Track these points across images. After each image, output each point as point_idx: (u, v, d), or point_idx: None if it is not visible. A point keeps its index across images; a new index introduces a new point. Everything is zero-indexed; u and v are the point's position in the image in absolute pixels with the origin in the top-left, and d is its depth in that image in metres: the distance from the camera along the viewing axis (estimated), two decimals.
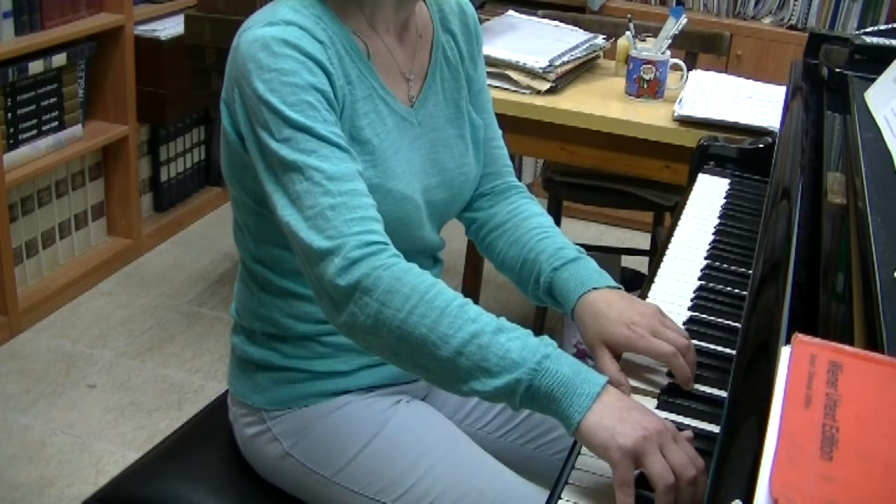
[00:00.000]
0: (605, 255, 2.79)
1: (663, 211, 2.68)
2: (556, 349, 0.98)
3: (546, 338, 0.99)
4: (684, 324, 1.20)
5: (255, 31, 1.07)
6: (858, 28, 3.26)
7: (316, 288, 1.03)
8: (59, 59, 2.68)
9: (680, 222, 1.52)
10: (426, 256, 1.28)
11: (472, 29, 1.31)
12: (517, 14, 2.57)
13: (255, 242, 1.19)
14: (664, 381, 1.10)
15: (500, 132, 1.36)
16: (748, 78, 2.35)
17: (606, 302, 1.14)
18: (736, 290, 1.29)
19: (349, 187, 1.03)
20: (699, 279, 1.33)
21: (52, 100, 2.71)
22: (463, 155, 1.25)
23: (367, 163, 1.12)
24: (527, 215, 1.30)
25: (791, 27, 3.40)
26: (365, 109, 1.13)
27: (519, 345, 0.96)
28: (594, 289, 1.16)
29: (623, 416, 0.92)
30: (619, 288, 1.19)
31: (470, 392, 0.98)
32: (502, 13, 2.58)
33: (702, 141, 1.76)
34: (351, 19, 1.15)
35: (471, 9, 1.32)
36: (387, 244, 1.02)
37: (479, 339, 0.96)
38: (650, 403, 1.06)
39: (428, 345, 0.97)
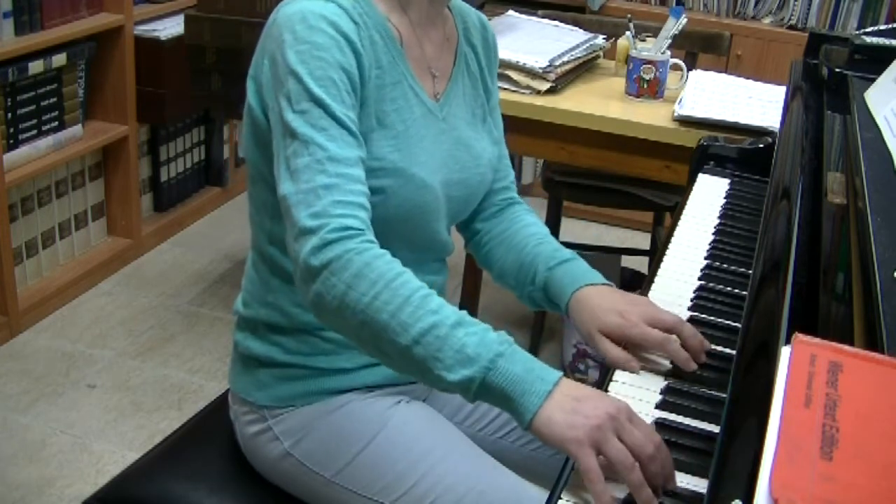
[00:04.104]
0: (605, 255, 2.79)
1: (663, 211, 2.68)
2: (512, 346, 0.99)
3: (503, 333, 1.00)
4: None
5: (294, 5, 1.10)
6: (858, 28, 3.26)
7: (293, 264, 1.05)
8: (59, 59, 2.68)
9: (680, 222, 1.52)
10: (436, 258, 1.29)
11: (492, 45, 1.35)
12: (517, 14, 2.57)
13: (272, 220, 1.19)
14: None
15: (506, 150, 1.39)
16: (748, 78, 2.35)
17: (599, 295, 1.19)
18: (736, 290, 1.29)
19: (347, 171, 1.05)
20: (699, 279, 1.33)
21: (52, 100, 2.72)
22: (479, 158, 1.27)
23: (392, 147, 1.14)
24: (524, 224, 1.35)
25: (791, 27, 3.40)
26: (393, 95, 1.16)
27: (475, 340, 0.97)
28: (587, 285, 1.21)
29: (575, 408, 0.94)
30: (611, 285, 1.23)
31: (428, 382, 1.00)
32: (502, 13, 2.58)
33: (702, 141, 1.76)
34: (386, 5, 1.18)
35: (490, 26, 1.36)
36: (364, 231, 1.03)
37: (437, 330, 0.97)
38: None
39: (388, 331, 0.98)
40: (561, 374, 0.98)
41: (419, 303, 0.98)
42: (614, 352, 1.13)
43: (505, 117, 1.39)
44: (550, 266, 1.25)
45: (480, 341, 0.97)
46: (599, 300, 1.18)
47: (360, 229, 1.03)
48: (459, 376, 0.96)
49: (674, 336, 1.13)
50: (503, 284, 1.36)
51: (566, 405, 0.94)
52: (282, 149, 1.07)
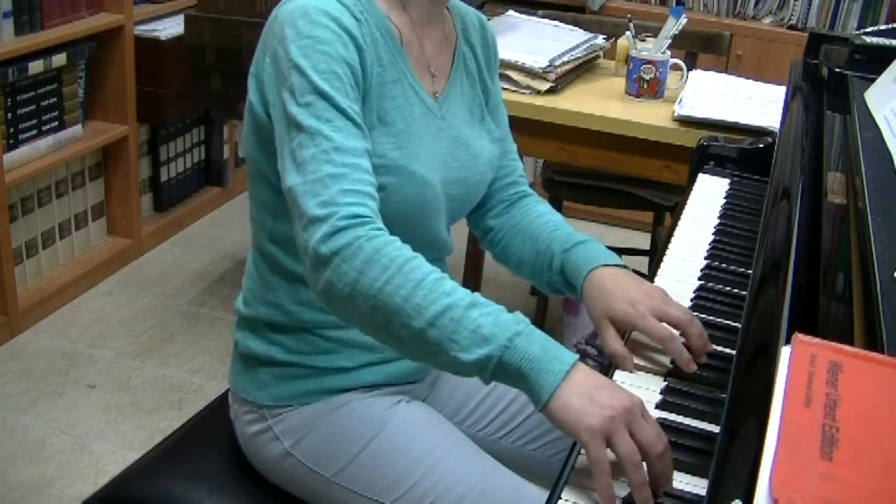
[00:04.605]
0: None
1: (663, 211, 2.68)
2: (529, 326, 0.98)
3: (519, 314, 1.00)
4: None
5: (296, 2, 1.11)
6: (858, 28, 3.26)
7: (302, 254, 1.04)
8: (59, 59, 2.68)
9: (680, 222, 1.52)
10: (435, 258, 1.29)
11: (491, 44, 1.35)
12: (517, 14, 2.57)
13: (273, 219, 1.20)
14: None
15: (514, 145, 1.39)
16: (748, 78, 2.35)
17: (613, 278, 1.18)
18: (736, 290, 1.29)
19: (353, 161, 1.05)
20: (699, 279, 1.33)
21: (52, 100, 2.72)
22: (478, 156, 1.27)
23: (392, 144, 1.14)
24: (538, 213, 1.35)
25: (791, 27, 3.40)
26: (394, 93, 1.16)
27: (491, 320, 0.97)
28: (602, 266, 1.20)
29: (592, 395, 0.93)
30: (626, 267, 1.22)
31: (442, 365, 0.99)
32: (502, 13, 2.59)
33: (702, 141, 1.76)
34: (386, 3, 1.19)
35: (489, 26, 1.36)
36: (373, 218, 1.03)
37: (451, 311, 0.97)
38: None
39: (402, 315, 0.98)
40: (577, 356, 0.98)
41: (432, 286, 0.98)
42: (614, 345, 1.13)
43: None
44: (566, 248, 1.25)
45: (496, 321, 0.97)
46: (613, 285, 1.17)
47: (368, 217, 1.03)
48: (475, 356, 0.96)
49: (679, 334, 1.12)
50: (521, 276, 1.36)
51: (583, 391, 0.94)
52: (286, 142, 1.07)
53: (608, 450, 0.92)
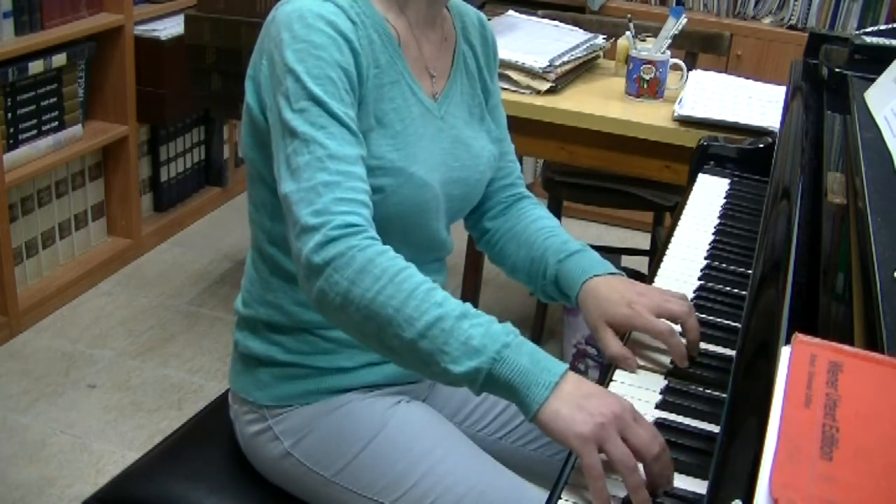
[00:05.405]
0: (606, 256, 2.79)
1: (663, 211, 2.68)
2: (518, 337, 0.99)
3: (509, 325, 1.00)
4: None
5: (292, 4, 1.11)
6: (858, 28, 3.26)
7: (295, 262, 1.05)
8: (59, 59, 2.68)
9: (680, 222, 1.52)
10: (435, 258, 1.29)
11: (491, 44, 1.35)
12: (517, 14, 2.57)
13: (272, 220, 1.20)
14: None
15: (512, 146, 1.39)
16: (748, 78, 2.35)
17: (608, 286, 1.19)
18: (736, 290, 1.29)
19: (347, 169, 1.05)
20: (699, 279, 1.33)
21: (52, 100, 2.72)
22: (478, 157, 1.27)
23: (391, 146, 1.14)
24: (534, 218, 1.35)
25: (791, 27, 3.40)
26: (391, 94, 1.16)
27: (481, 332, 0.97)
28: (596, 275, 1.21)
29: (581, 404, 0.94)
30: (621, 274, 1.23)
31: (434, 376, 0.99)
32: (502, 13, 2.59)
33: (702, 141, 1.76)
34: (383, 5, 1.19)
35: (489, 25, 1.36)
36: (366, 227, 1.03)
37: (442, 323, 0.97)
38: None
39: (393, 325, 0.98)
40: (567, 366, 0.98)
41: (423, 296, 0.99)
42: (615, 347, 1.13)
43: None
44: (560, 259, 1.26)
45: (486, 332, 0.97)
46: (608, 291, 1.18)
47: (362, 226, 1.03)
48: (465, 368, 0.96)
49: (678, 326, 1.13)
50: (517, 279, 1.36)
51: (572, 400, 0.94)
52: (281, 148, 1.07)
53: (602, 455, 0.92)
